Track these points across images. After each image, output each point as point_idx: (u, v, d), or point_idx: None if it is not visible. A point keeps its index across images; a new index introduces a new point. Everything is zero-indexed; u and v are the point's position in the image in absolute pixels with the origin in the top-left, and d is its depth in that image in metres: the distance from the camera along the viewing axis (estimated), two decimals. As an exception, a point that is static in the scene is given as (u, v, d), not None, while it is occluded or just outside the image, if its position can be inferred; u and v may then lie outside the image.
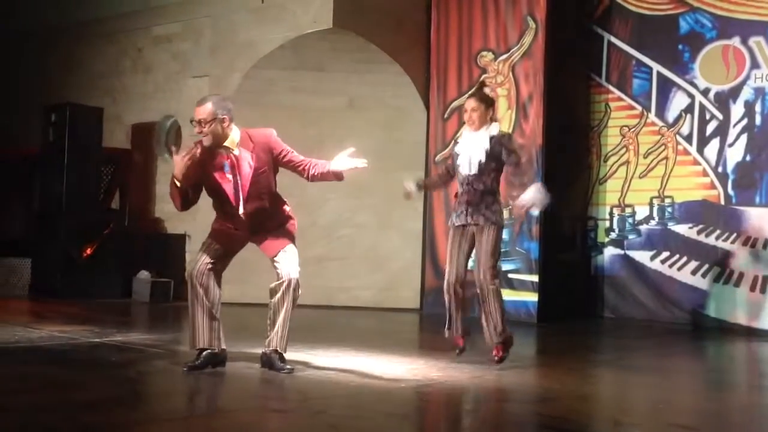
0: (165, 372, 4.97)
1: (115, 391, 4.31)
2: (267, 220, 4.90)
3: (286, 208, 5.06)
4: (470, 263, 5.50)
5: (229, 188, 4.79)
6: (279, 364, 4.85)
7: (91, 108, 9.39)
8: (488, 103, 5.46)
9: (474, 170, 5.35)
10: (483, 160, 5.33)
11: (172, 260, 9.33)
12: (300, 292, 4.89)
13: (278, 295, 4.84)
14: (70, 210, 8.80)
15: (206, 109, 4.70)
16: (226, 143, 4.78)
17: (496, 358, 5.33)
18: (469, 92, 5.72)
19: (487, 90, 5.61)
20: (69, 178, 8.81)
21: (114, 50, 10.45)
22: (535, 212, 5.48)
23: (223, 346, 4.89)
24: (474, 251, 5.44)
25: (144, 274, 8.97)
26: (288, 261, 4.85)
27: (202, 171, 4.77)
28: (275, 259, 4.88)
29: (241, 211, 4.81)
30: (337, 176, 4.97)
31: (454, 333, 5.50)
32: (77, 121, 8.97)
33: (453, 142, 5.76)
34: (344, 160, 4.91)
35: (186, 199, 4.80)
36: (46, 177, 9.18)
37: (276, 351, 4.86)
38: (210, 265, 4.83)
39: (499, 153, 5.33)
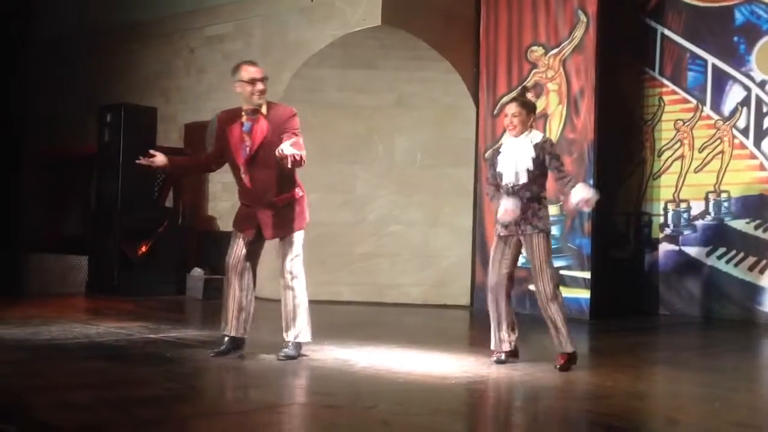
0: (219, 367, 5.04)
1: (171, 386, 4.39)
2: (269, 191, 5.14)
3: (297, 191, 5.23)
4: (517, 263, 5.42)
5: (243, 150, 5.13)
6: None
7: (145, 108, 9.56)
8: (529, 108, 5.35)
9: (522, 180, 5.23)
10: (531, 168, 5.22)
11: (225, 257, 9.42)
12: (297, 282, 5.17)
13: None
14: (126, 208, 8.97)
15: (262, 70, 5.22)
16: (255, 107, 5.15)
17: (557, 366, 5.16)
18: (510, 96, 5.57)
19: (529, 95, 5.47)
20: (124, 177, 8.96)
21: (168, 51, 10.60)
22: (586, 209, 5.37)
23: (245, 335, 5.26)
24: (529, 261, 5.30)
25: (197, 271, 9.10)
26: (283, 253, 5.20)
27: (222, 133, 5.23)
28: (280, 249, 5.21)
29: (243, 172, 5.13)
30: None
31: (497, 346, 5.30)
32: (132, 121, 9.13)
33: (494, 151, 5.58)
34: (284, 146, 4.90)
35: (207, 169, 5.79)
36: (101, 176, 9.37)
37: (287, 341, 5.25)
38: (241, 257, 5.26)
39: (543, 159, 5.24)
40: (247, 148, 5.11)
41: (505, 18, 8.74)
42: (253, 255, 5.29)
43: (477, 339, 5.91)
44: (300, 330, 5.19)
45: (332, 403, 4.15)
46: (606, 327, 7.59)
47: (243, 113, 5.17)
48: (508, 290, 5.30)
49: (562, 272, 8.14)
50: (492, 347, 5.32)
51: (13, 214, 10.68)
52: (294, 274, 5.17)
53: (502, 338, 5.29)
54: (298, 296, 5.19)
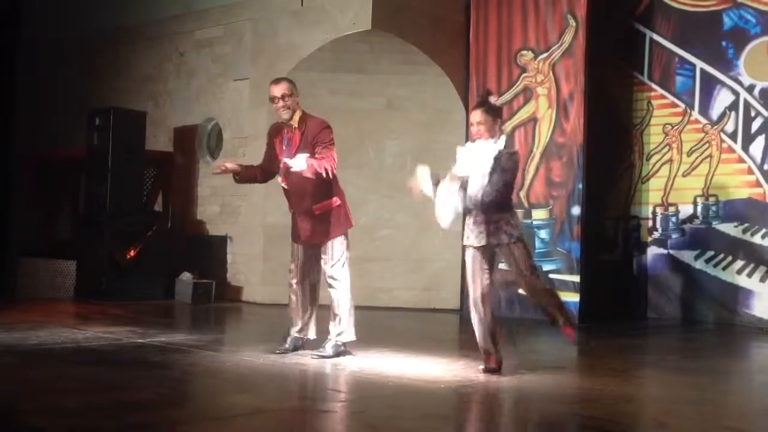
0: (208, 372, 5.03)
1: (160, 391, 4.38)
2: (306, 199, 5.41)
3: (335, 199, 5.47)
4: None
5: (281, 158, 5.44)
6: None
7: (134, 112, 9.54)
8: (495, 113, 5.03)
9: (484, 183, 4.90)
10: (492, 173, 4.87)
11: (214, 262, 9.43)
12: (339, 284, 5.48)
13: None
14: (114, 212, 8.93)
15: (284, 86, 5.43)
16: (285, 121, 5.46)
17: (572, 337, 5.22)
18: (475, 103, 5.23)
19: (492, 99, 5.11)
20: (113, 181, 8.94)
21: (157, 54, 10.57)
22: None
23: (310, 336, 5.65)
24: (508, 267, 5.17)
25: (186, 276, 9.07)
26: (324, 259, 5.50)
27: (270, 143, 5.58)
28: (321, 255, 5.51)
29: (280, 179, 5.48)
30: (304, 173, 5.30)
31: (487, 352, 5.10)
32: (121, 124, 9.11)
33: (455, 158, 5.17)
34: (296, 161, 5.28)
35: (269, 176, 5.65)
36: (90, 180, 9.33)
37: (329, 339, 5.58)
38: (301, 263, 5.57)
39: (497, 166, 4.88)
40: (283, 159, 5.41)
41: (494, 22, 8.76)
42: (313, 260, 5.56)
43: (467, 343, 5.91)
44: (343, 329, 5.50)
45: (321, 408, 4.15)
46: (595, 331, 7.61)
47: (284, 126, 5.49)
48: (492, 300, 5.08)
49: (551, 276, 8.16)
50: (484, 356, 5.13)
51: (5, 218, 10.64)
52: (336, 278, 5.48)
53: (489, 349, 5.07)
54: (341, 298, 5.50)
